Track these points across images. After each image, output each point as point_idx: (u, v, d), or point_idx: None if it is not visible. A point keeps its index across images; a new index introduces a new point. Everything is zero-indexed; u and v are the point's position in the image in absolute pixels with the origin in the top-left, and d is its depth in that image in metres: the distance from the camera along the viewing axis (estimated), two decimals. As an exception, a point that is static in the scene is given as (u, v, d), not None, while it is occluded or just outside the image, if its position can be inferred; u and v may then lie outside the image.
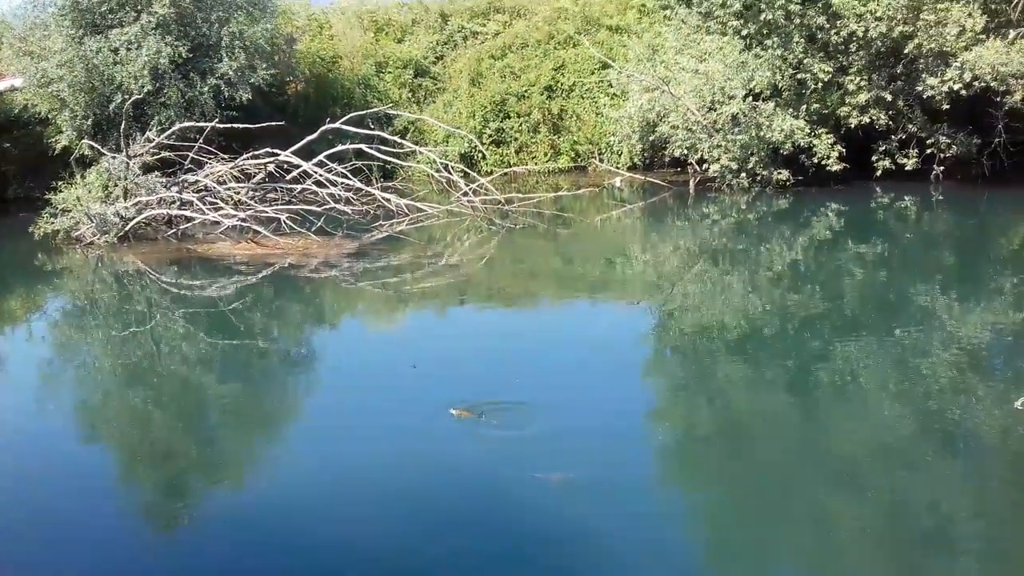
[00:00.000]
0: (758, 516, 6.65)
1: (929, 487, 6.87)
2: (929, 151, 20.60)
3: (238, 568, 6.07)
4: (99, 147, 18.88)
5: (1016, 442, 7.63)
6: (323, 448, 8.08)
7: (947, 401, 8.71)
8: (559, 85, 28.23)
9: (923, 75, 19.74)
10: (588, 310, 13.63)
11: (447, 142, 25.06)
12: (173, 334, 12.44)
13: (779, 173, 20.91)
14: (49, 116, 21.88)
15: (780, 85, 20.78)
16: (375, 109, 24.18)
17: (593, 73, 28.08)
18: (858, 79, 20.02)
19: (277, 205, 18.55)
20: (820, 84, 20.27)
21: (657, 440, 8.18)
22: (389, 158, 21.74)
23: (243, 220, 17.51)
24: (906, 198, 20.62)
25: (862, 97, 19.98)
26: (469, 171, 23.12)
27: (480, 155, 25.88)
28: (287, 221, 17.56)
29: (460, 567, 6.03)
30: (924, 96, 19.80)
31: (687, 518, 6.93)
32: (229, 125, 19.69)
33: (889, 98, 20.01)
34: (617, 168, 25.99)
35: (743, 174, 21.09)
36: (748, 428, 8.25)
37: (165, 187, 18.05)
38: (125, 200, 17.40)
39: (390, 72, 29.05)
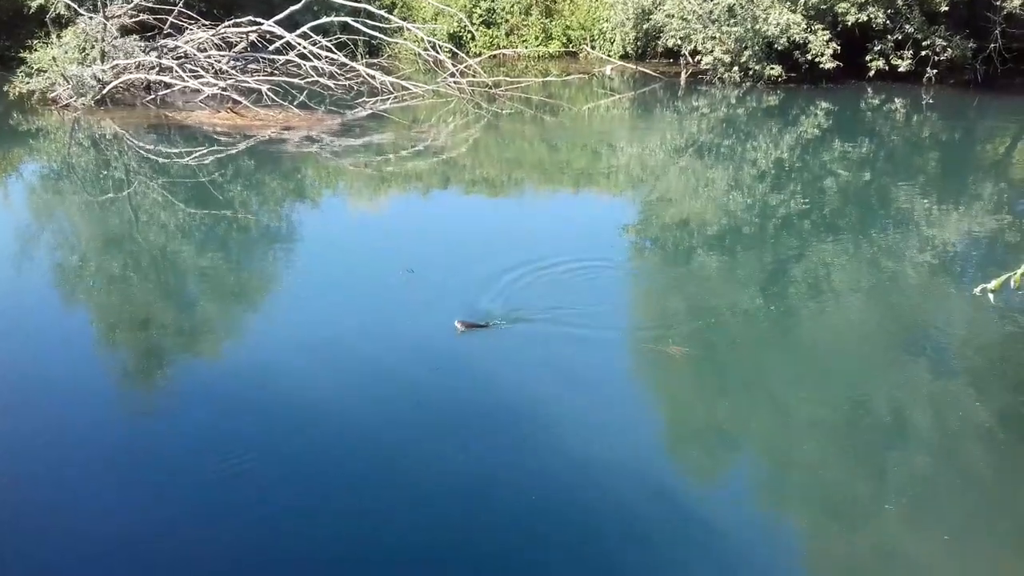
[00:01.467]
0: (720, 405, 6.81)
1: (889, 380, 7.05)
2: (924, 53, 20.34)
3: (214, 431, 6.18)
4: (75, 6, 18.23)
5: (976, 336, 7.86)
6: (300, 320, 8.12)
7: (916, 300, 8.89)
8: (554, -34, 27.38)
9: (925, -26, 19.35)
10: (572, 201, 13.54)
11: (436, 20, 24.42)
12: (152, 203, 12.30)
13: (772, 68, 20.61)
14: (23, -28, 21.05)
15: (780, -23, 20.28)
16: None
17: (589, -45, 27.22)
18: (859, -25, 19.57)
19: (258, 76, 18.15)
20: (820, -22, 19.81)
21: (629, 333, 8.24)
22: (375, 33, 21.19)
23: (223, 89, 17.15)
24: (896, 100, 20.45)
25: (862, -6, 19.58)
26: (457, 51, 22.61)
27: (469, 36, 25.25)
28: (268, 93, 17.22)
29: (432, 430, 6.21)
30: (924, -4, 19.45)
31: (651, 406, 7.07)
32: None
33: (889, -4, 19.64)
34: (609, 56, 25.48)
35: (735, 67, 20.79)
36: (719, 321, 8.32)
37: (144, 51, 17.56)
38: (102, 63, 16.95)
39: (379, -57, 28.03)
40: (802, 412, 6.63)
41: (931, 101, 20.49)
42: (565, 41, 26.84)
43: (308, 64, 18.75)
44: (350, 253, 10.45)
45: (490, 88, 20.02)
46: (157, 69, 17.40)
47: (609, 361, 7.57)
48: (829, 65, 20.12)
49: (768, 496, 5.69)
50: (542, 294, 8.56)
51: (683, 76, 23.01)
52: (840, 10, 19.93)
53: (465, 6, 25.46)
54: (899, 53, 20.32)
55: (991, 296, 4.52)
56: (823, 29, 20.10)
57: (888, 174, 15.01)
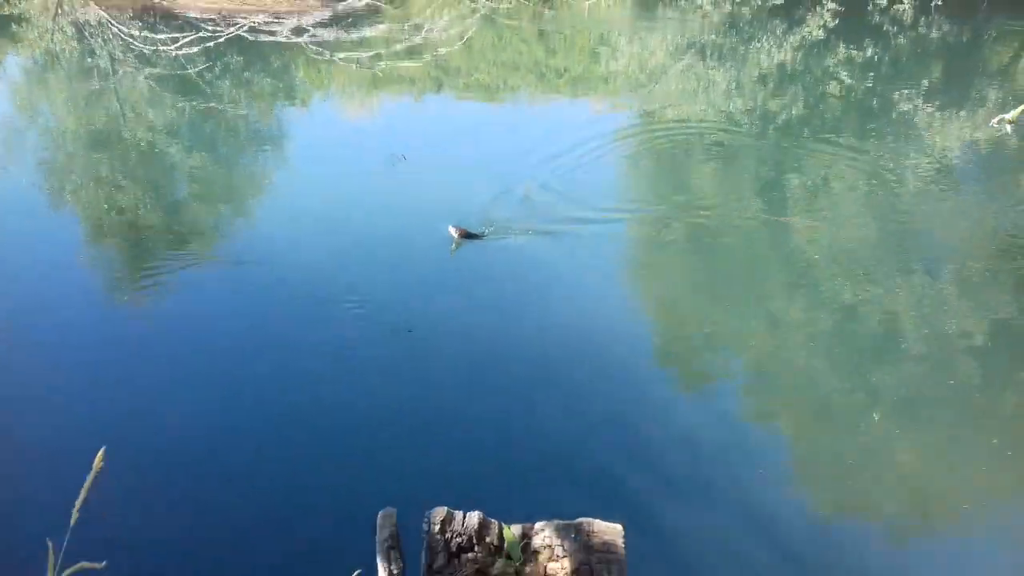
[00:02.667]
0: (715, 312, 6.64)
1: (882, 292, 6.91)
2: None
3: (199, 333, 5.94)
4: None
5: (973, 243, 7.77)
6: (288, 224, 7.83)
7: (912, 210, 8.68)
8: None
9: None
10: (570, 109, 13.02)
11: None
12: (138, 96, 11.88)
13: (779, -34, 19.99)
14: None
15: None
16: None
17: None
18: None
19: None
20: None
21: (627, 236, 8.05)
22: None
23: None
24: (904, 1, 19.85)
25: None
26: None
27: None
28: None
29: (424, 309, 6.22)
30: None
31: (648, 308, 6.94)
32: None
33: None
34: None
35: (740, -37, 20.16)
36: (713, 227, 8.16)
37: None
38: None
39: None
40: (795, 320, 6.55)
41: (940, 3, 19.90)
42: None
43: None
44: (341, 155, 10.07)
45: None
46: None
47: (613, 265, 7.49)
48: (838, -37, 19.49)
49: (757, 394, 5.66)
50: (538, 204, 8.31)
51: (687, -27, 22.27)
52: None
53: None
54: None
55: (1008, 128, 4.45)
56: (833, -76, 19.42)
57: (892, 79, 14.65)
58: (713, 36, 17.33)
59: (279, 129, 11.40)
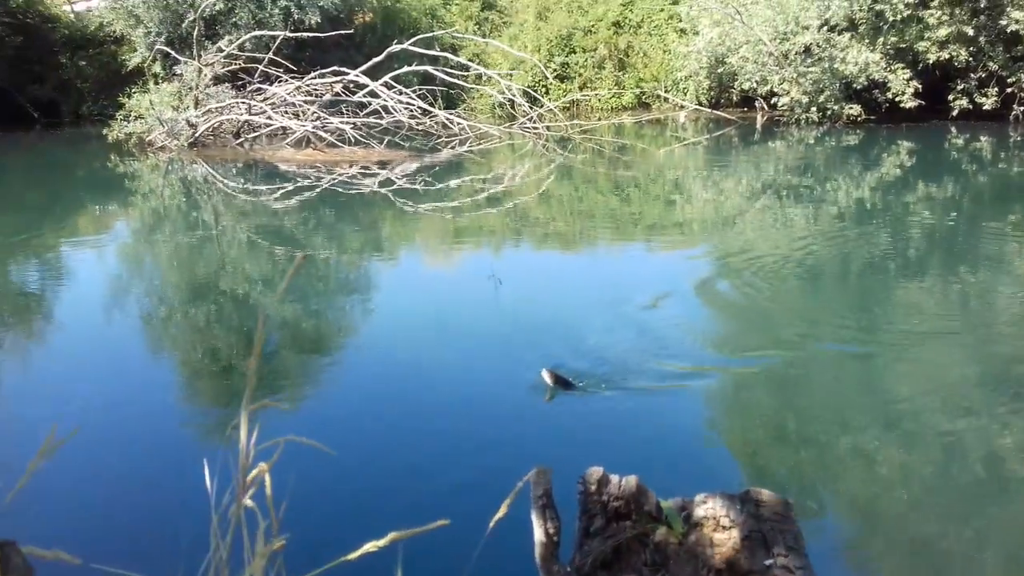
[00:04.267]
0: (806, 455, 6.35)
1: (985, 431, 6.57)
2: (1010, 90, 19.84)
3: (288, 492, 5.71)
4: (172, 51, 19.27)
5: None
6: (379, 381, 7.72)
7: (1012, 347, 8.36)
8: (627, 20, 27.71)
9: (1008, 8, 18.89)
10: (646, 257, 12.74)
11: (511, 77, 24.83)
12: (238, 249, 12.48)
13: (850, 108, 20.34)
14: (124, 34, 22.43)
15: (857, 17, 20.12)
16: (443, 31, 24.05)
17: (662, 10, 27.49)
18: (939, 13, 19.26)
19: (343, 119, 18.81)
20: (899, 17, 19.57)
21: (711, 386, 7.52)
22: (455, 80, 21.70)
23: (310, 130, 17.84)
24: (982, 139, 19.84)
25: (942, 32, 19.24)
26: (537, 96, 22.97)
27: (544, 89, 25.62)
28: (352, 133, 17.79)
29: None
30: (1008, 31, 18.97)
31: (737, 457, 6.58)
32: (297, 34, 20.03)
33: (971, 33, 19.24)
34: (683, 104, 25.54)
35: (813, 108, 20.57)
36: (803, 371, 7.84)
37: (234, 98, 18.47)
38: (195, 109, 17.84)
39: (457, 4, 28.82)
40: (893, 464, 6.20)
41: (1019, 139, 19.86)
42: (638, 93, 27.04)
43: (390, 118, 19.41)
44: (426, 309, 9.91)
45: (566, 133, 20.18)
46: (246, 114, 18.18)
47: (696, 420, 7.35)
48: (910, 104, 19.77)
49: (855, 548, 5.29)
50: (628, 355, 7.94)
51: (759, 119, 22.86)
52: (920, 49, 19.63)
53: (540, 61, 25.88)
54: (983, 91, 19.86)
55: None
56: (903, 68, 19.82)
57: (978, 214, 14.48)
58: (788, 177, 17.48)
59: (367, 279, 11.67)
